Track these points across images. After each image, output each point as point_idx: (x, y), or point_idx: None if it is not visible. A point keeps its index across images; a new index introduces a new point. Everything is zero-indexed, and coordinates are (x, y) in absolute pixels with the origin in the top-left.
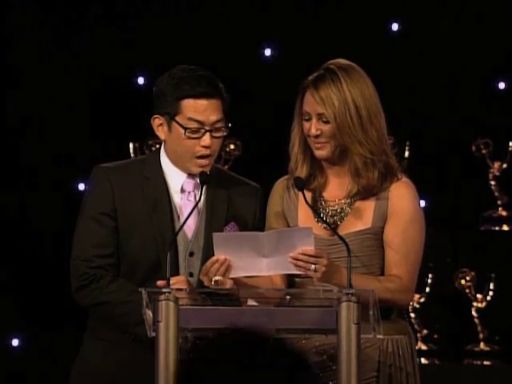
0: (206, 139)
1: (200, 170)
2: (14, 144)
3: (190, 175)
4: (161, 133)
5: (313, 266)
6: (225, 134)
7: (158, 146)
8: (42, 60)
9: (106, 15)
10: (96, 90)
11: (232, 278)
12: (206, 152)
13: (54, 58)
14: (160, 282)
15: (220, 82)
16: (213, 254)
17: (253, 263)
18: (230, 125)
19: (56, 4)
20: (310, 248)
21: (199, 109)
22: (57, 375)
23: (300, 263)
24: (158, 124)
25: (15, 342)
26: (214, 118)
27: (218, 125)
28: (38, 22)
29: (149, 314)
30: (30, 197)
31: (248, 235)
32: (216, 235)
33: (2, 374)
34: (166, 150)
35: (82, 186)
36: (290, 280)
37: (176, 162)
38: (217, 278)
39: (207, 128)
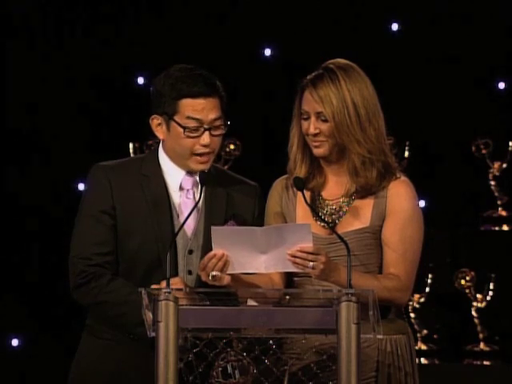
0: (205, 138)
1: (200, 166)
2: (14, 144)
3: (189, 173)
4: (159, 133)
5: (311, 264)
6: (224, 132)
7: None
8: (41, 60)
9: (106, 15)
10: (96, 90)
11: (229, 274)
12: (206, 150)
13: (53, 58)
14: (155, 286)
15: (217, 80)
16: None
17: (251, 260)
18: (228, 123)
19: (56, 3)
20: (308, 245)
21: (197, 108)
22: (57, 375)
23: (298, 260)
24: (157, 124)
25: (15, 342)
26: (212, 116)
27: (217, 123)
28: (38, 22)
29: (148, 314)
30: (29, 197)
31: (246, 230)
32: (214, 229)
33: (1, 374)
34: (164, 149)
35: (81, 186)
36: (288, 278)
37: (175, 160)
38: (214, 273)
39: (206, 126)
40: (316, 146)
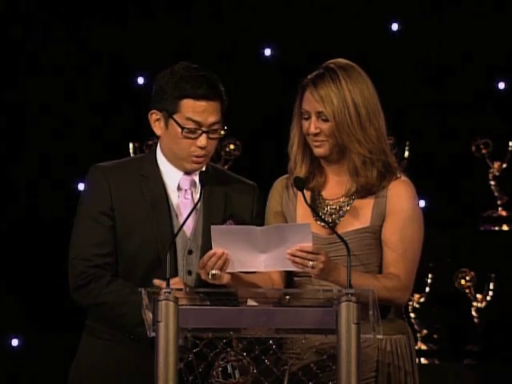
0: (203, 140)
1: (194, 166)
2: (14, 144)
3: (187, 173)
4: (157, 128)
5: (310, 263)
6: (221, 135)
7: None
8: (42, 60)
9: (106, 15)
10: (96, 90)
11: (229, 273)
12: (202, 152)
13: (54, 57)
14: (156, 281)
15: (220, 83)
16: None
17: (250, 258)
18: (226, 127)
19: (57, 4)
20: (308, 244)
21: (198, 109)
22: (57, 375)
23: (298, 260)
24: (155, 119)
25: (15, 342)
26: (211, 119)
27: (215, 126)
28: (38, 22)
29: (148, 314)
30: (30, 197)
31: (246, 229)
32: (214, 228)
33: (1, 374)
34: (161, 147)
35: (81, 186)
36: (288, 278)
37: (171, 159)
38: (214, 271)
39: (204, 129)
40: (316, 146)
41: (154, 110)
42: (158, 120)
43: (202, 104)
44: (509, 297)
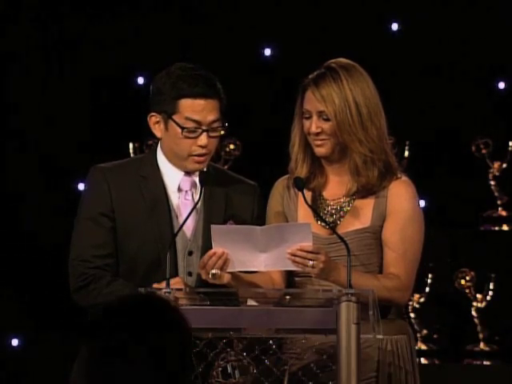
0: (203, 139)
1: (196, 166)
2: (13, 144)
3: (187, 174)
4: (157, 131)
5: (311, 263)
6: (221, 133)
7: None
8: (41, 60)
9: (106, 15)
10: (96, 90)
11: (229, 272)
12: (203, 151)
13: (54, 57)
14: (156, 285)
15: (217, 81)
16: None
17: (250, 258)
18: (226, 125)
19: (56, 3)
20: (308, 244)
21: (197, 108)
22: (57, 375)
23: (298, 259)
24: (155, 122)
25: (15, 342)
26: (211, 117)
27: (215, 125)
28: (38, 21)
29: None
30: (30, 197)
31: (246, 229)
32: (214, 228)
33: (1, 374)
34: (162, 148)
35: (81, 186)
36: (289, 278)
37: (172, 159)
38: (214, 271)
39: (204, 128)
40: (318, 145)
41: (152, 113)
42: (157, 122)
43: (200, 102)
44: (509, 297)
